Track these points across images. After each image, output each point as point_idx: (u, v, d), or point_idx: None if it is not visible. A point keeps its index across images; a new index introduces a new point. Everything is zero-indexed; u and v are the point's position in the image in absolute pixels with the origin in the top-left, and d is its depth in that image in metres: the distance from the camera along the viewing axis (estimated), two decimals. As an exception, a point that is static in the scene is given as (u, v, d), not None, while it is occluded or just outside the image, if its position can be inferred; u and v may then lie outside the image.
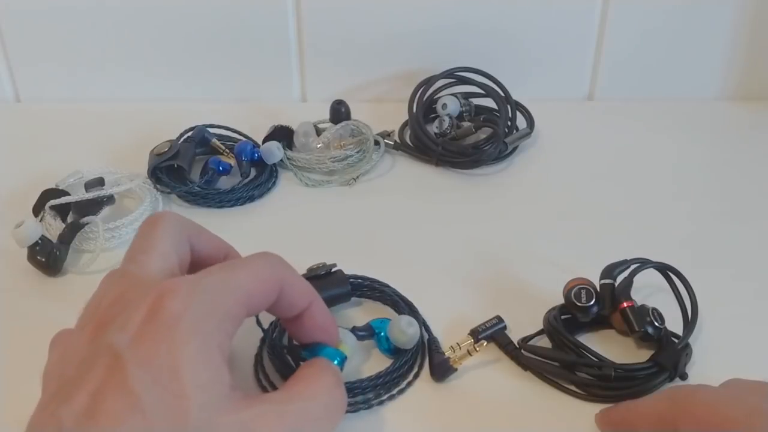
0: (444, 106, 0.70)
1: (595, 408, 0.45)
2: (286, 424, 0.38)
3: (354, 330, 0.50)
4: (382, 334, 0.50)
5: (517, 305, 0.53)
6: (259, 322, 0.49)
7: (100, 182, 0.62)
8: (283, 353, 0.48)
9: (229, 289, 0.39)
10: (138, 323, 0.36)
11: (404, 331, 0.48)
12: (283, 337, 0.50)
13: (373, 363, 0.50)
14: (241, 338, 0.49)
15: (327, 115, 0.71)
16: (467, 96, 0.72)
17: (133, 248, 0.44)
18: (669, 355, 0.48)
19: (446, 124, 0.69)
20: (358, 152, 0.67)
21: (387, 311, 0.53)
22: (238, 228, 0.61)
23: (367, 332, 0.50)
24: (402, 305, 0.52)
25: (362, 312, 0.52)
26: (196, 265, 0.45)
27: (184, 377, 0.35)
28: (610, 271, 0.51)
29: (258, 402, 0.38)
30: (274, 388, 0.47)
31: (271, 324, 0.51)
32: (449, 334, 0.51)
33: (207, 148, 0.67)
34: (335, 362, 0.46)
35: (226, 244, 0.48)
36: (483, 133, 0.68)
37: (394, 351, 0.50)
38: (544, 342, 0.50)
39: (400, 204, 0.64)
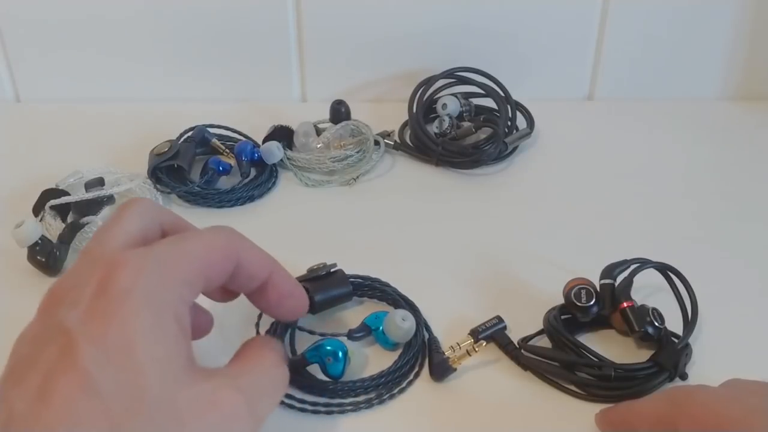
0: (444, 106, 0.70)
1: (595, 408, 0.45)
2: (243, 397, 0.37)
3: (350, 333, 0.50)
4: (380, 329, 0.50)
5: (517, 305, 0.53)
6: (257, 325, 0.49)
7: (100, 182, 0.62)
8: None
9: (181, 256, 0.38)
10: (88, 299, 0.36)
11: (399, 326, 0.49)
12: (284, 340, 0.50)
13: (372, 363, 0.50)
14: (242, 339, 0.49)
15: (327, 115, 0.71)
16: (467, 96, 0.72)
17: (100, 228, 0.42)
18: (669, 355, 0.48)
19: (446, 124, 0.69)
20: (358, 152, 0.67)
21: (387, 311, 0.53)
22: (238, 228, 0.60)
23: (364, 331, 0.50)
24: (403, 305, 0.52)
25: (363, 312, 0.52)
26: None
27: (139, 352, 0.34)
28: (610, 271, 0.51)
29: (215, 375, 0.38)
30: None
31: (272, 325, 0.51)
32: (449, 334, 0.51)
33: (207, 148, 0.67)
34: (339, 354, 0.47)
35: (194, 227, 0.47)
36: (483, 133, 0.68)
37: (394, 344, 0.50)
38: (544, 342, 0.50)
39: (400, 204, 0.64)
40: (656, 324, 0.49)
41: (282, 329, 0.50)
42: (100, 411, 0.33)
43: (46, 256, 0.55)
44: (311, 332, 0.50)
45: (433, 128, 0.70)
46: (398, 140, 0.70)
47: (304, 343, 0.51)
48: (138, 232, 0.41)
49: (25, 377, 0.34)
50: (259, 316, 0.51)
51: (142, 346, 0.34)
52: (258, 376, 0.40)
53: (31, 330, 0.37)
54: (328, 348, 0.47)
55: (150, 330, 0.35)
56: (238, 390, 0.37)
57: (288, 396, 0.47)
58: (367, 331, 0.50)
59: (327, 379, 0.48)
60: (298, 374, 0.47)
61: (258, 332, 0.50)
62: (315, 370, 0.48)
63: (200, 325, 0.45)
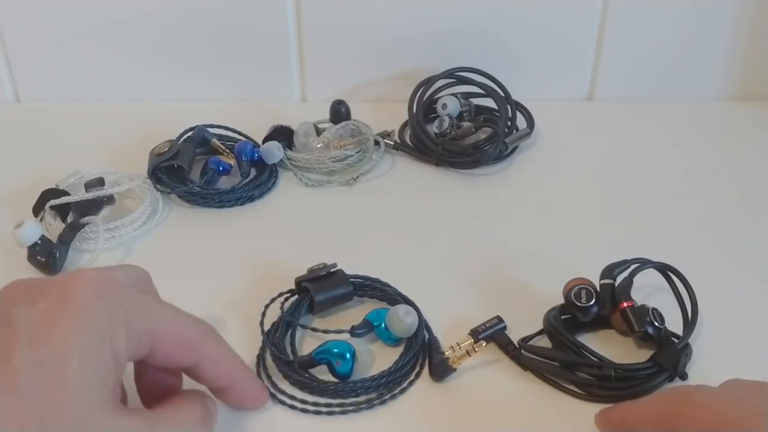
0: (444, 106, 0.70)
1: (595, 408, 0.45)
2: None
3: (353, 329, 0.50)
4: (382, 325, 0.50)
5: (517, 305, 0.53)
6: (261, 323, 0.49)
7: (100, 182, 0.62)
8: (289, 359, 0.49)
9: (146, 314, 0.39)
10: (46, 302, 0.36)
11: (402, 320, 0.49)
12: (285, 341, 0.50)
13: (375, 360, 0.50)
14: (243, 339, 0.49)
15: (327, 115, 0.71)
16: (467, 96, 0.72)
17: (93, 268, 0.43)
18: (669, 355, 0.48)
19: (446, 124, 0.68)
20: (358, 152, 0.67)
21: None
22: (238, 228, 0.61)
23: (366, 328, 0.50)
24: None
25: (363, 312, 0.52)
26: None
27: (70, 368, 0.35)
28: (610, 271, 0.51)
29: (135, 415, 0.38)
30: (276, 387, 0.47)
31: (272, 325, 0.51)
32: (449, 334, 0.51)
33: (207, 148, 0.67)
34: (347, 356, 0.47)
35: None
36: (483, 133, 0.68)
37: (397, 339, 0.50)
38: (544, 342, 0.50)
39: (400, 204, 0.64)
40: (656, 324, 0.49)
41: (284, 328, 0.50)
42: (13, 409, 0.33)
43: (46, 256, 0.55)
44: (314, 330, 0.50)
45: (433, 128, 0.70)
46: (398, 140, 0.70)
47: (304, 342, 0.51)
48: (121, 280, 0.41)
49: None
50: (263, 315, 0.51)
51: (75, 363, 0.35)
52: (177, 427, 0.40)
53: None
54: (336, 351, 0.48)
55: (88, 352, 0.36)
56: None
57: (290, 396, 0.47)
58: (369, 327, 0.50)
59: (332, 379, 0.48)
60: (304, 374, 0.48)
61: (263, 330, 0.50)
62: (316, 370, 0.48)
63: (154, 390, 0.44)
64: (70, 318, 0.36)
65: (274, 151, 0.65)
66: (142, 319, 0.39)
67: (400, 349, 0.50)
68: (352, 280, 0.53)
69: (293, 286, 0.53)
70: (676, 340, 0.49)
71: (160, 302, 0.42)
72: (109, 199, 0.61)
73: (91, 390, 0.35)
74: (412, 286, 0.54)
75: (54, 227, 0.58)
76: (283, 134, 0.69)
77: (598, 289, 0.51)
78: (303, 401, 0.46)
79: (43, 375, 0.34)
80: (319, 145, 0.68)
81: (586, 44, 0.75)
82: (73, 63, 0.75)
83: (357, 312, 0.53)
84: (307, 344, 0.51)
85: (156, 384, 0.43)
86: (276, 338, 0.50)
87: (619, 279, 0.51)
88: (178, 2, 0.72)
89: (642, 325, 0.49)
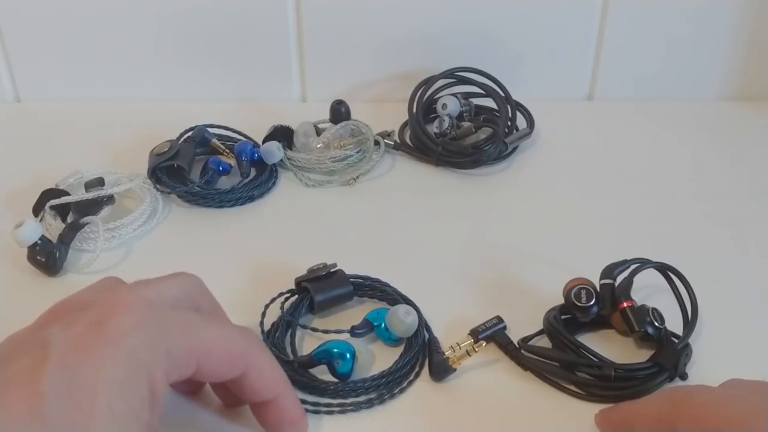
0: (444, 106, 0.70)
1: (595, 408, 0.45)
2: None
3: (353, 329, 0.50)
4: (382, 325, 0.50)
5: (517, 305, 0.53)
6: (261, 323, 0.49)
7: (100, 182, 0.62)
8: (289, 359, 0.49)
9: (189, 334, 0.38)
10: (82, 326, 0.35)
11: (402, 319, 0.49)
12: (285, 340, 0.50)
13: (375, 360, 0.50)
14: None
15: (327, 115, 0.70)
16: (467, 96, 0.72)
17: (140, 280, 0.42)
18: (669, 355, 0.48)
19: (446, 124, 0.68)
20: (358, 152, 0.67)
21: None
22: (238, 228, 0.61)
23: (366, 328, 0.50)
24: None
25: (363, 312, 0.52)
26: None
27: (99, 399, 0.33)
28: (610, 271, 0.51)
29: None
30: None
31: (272, 325, 0.51)
32: (449, 334, 0.51)
33: (207, 148, 0.67)
34: (348, 356, 0.47)
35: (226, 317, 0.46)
36: (483, 133, 0.68)
37: (396, 339, 0.50)
38: (544, 342, 0.50)
39: (400, 204, 0.64)
40: (656, 324, 0.49)
41: (283, 328, 0.50)
42: None
43: (46, 256, 0.55)
44: (314, 329, 0.50)
45: (433, 128, 0.70)
46: (398, 140, 0.70)
47: (305, 341, 0.51)
48: (169, 298, 0.40)
49: None
50: (263, 315, 0.51)
51: (105, 394, 0.34)
52: None
53: (23, 334, 0.37)
54: (336, 351, 0.48)
55: (120, 383, 0.34)
56: None
57: (288, 396, 0.47)
58: (369, 327, 0.50)
59: (332, 379, 0.48)
60: (303, 374, 0.48)
61: (263, 330, 0.50)
62: (316, 370, 0.48)
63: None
64: (105, 347, 0.35)
65: (274, 151, 0.65)
66: (185, 341, 0.38)
67: (400, 349, 0.50)
68: (352, 280, 0.53)
69: (293, 286, 0.53)
70: (676, 340, 0.49)
71: (203, 319, 0.40)
72: (109, 199, 0.61)
73: (120, 423, 0.34)
74: (412, 286, 0.54)
75: (54, 227, 0.58)
76: (283, 134, 0.69)
77: (598, 289, 0.51)
78: (303, 401, 0.46)
79: (71, 404, 0.33)
80: (319, 145, 0.68)
81: (586, 44, 0.75)
82: (73, 63, 0.75)
83: (357, 312, 0.53)
84: (307, 344, 0.51)
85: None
86: (276, 338, 0.50)
87: (619, 279, 0.51)
88: (179, 3, 0.72)
89: (642, 325, 0.49)
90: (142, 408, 0.35)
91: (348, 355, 0.47)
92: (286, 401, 0.42)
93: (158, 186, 0.63)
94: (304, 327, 0.51)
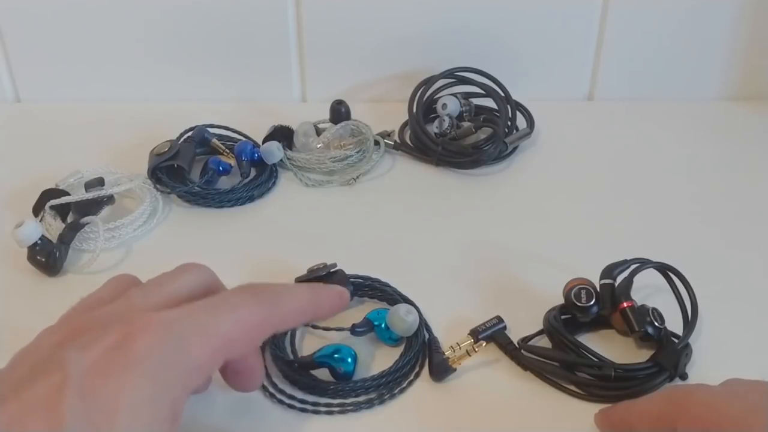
0: (444, 106, 0.70)
1: (595, 408, 0.45)
2: None
3: (353, 328, 0.50)
4: (383, 325, 0.50)
5: (517, 305, 0.53)
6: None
7: (100, 182, 0.62)
8: (290, 359, 0.49)
9: (208, 338, 0.38)
10: (101, 350, 0.35)
11: (404, 318, 0.49)
12: (285, 340, 0.50)
13: (374, 360, 0.50)
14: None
15: (327, 115, 0.71)
16: (467, 96, 0.72)
17: (152, 281, 0.42)
18: (669, 355, 0.48)
19: (446, 124, 0.68)
20: (358, 152, 0.67)
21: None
22: (238, 228, 0.61)
23: (366, 327, 0.50)
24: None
25: (363, 312, 0.52)
26: None
27: (118, 423, 0.33)
28: (610, 271, 0.51)
29: None
30: (276, 387, 0.47)
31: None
32: (449, 334, 0.51)
33: (207, 148, 0.67)
34: (349, 360, 0.47)
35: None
36: (483, 133, 0.68)
37: (397, 339, 0.50)
38: (544, 342, 0.50)
39: (400, 204, 0.64)
40: (656, 324, 0.49)
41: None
42: None
43: (46, 256, 0.55)
44: (314, 327, 0.50)
45: (433, 128, 0.70)
46: (398, 140, 0.70)
47: (306, 341, 0.51)
48: (185, 294, 0.41)
49: (6, 399, 0.34)
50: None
51: (125, 419, 0.34)
52: None
53: (38, 353, 0.37)
54: (337, 356, 0.48)
55: (140, 406, 0.34)
56: None
57: (289, 396, 0.47)
58: (370, 326, 0.50)
59: (331, 379, 0.48)
60: (304, 375, 0.48)
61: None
62: (317, 371, 0.48)
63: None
64: (125, 371, 0.35)
65: (274, 151, 0.65)
66: (206, 347, 0.38)
67: (400, 349, 0.50)
68: (352, 280, 0.53)
69: (293, 286, 0.53)
70: (676, 340, 0.49)
71: (216, 310, 0.39)
72: (109, 199, 0.61)
73: None
74: (412, 286, 0.54)
75: (54, 227, 0.58)
76: (283, 134, 0.69)
77: (598, 289, 0.51)
78: (303, 401, 0.46)
79: (89, 428, 0.33)
80: (319, 145, 0.68)
81: (586, 44, 0.75)
82: (73, 63, 0.75)
83: (357, 312, 0.53)
84: (307, 343, 0.51)
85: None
86: (276, 338, 0.50)
87: (619, 279, 0.51)
88: (179, 2, 0.72)
89: (642, 325, 0.49)
90: (162, 429, 0.35)
91: (349, 359, 0.48)
92: (323, 299, 0.45)
93: (158, 186, 0.63)
94: (304, 325, 0.51)
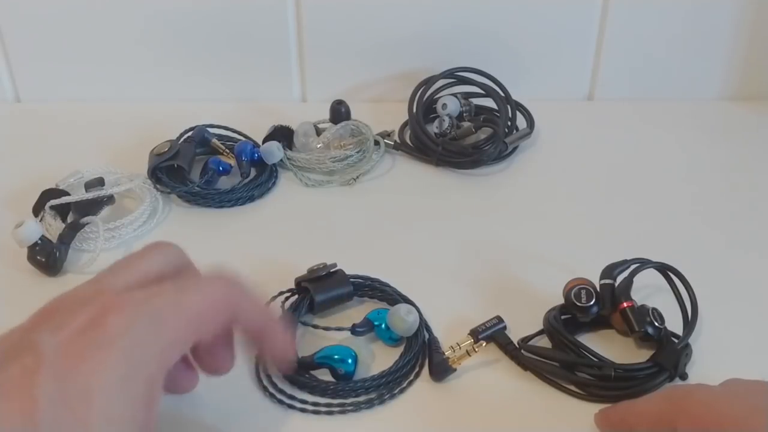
0: (444, 106, 0.70)
1: (595, 408, 0.45)
2: None
3: (354, 327, 0.50)
4: (383, 325, 0.50)
5: (517, 305, 0.53)
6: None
7: (100, 182, 0.62)
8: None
9: (178, 312, 0.38)
10: (72, 331, 0.35)
11: (404, 318, 0.49)
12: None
13: (375, 360, 0.50)
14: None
15: (327, 115, 0.71)
16: (467, 96, 0.72)
17: (120, 261, 0.42)
18: (669, 355, 0.48)
19: (446, 124, 0.68)
20: (358, 152, 0.67)
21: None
22: (238, 228, 0.61)
23: (366, 327, 0.50)
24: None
25: (363, 312, 0.52)
26: None
27: (94, 404, 0.33)
28: (610, 271, 0.51)
29: None
30: (276, 387, 0.47)
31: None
32: (449, 334, 0.51)
33: (207, 148, 0.68)
34: (349, 361, 0.47)
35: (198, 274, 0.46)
36: (483, 133, 0.68)
37: (397, 339, 0.50)
38: (544, 342, 0.50)
39: (400, 204, 0.64)
40: (656, 324, 0.49)
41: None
42: None
43: (46, 256, 0.55)
44: (314, 326, 0.50)
45: (433, 128, 0.70)
46: (398, 140, 0.70)
47: (306, 341, 0.51)
48: (154, 274, 0.41)
49: None
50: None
51: (100, 399, 0.34)
52: None
53: (11, 336, 0.36)
54: (337, 357, 0.48)
55: (115, 386, 0.34)
56: None
57: (289, 396, 0.47)
58: (370, 326, 0.50)
59: (331, 379, 0.48)
60: (304, 375, 0.48)
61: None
62: (317, 371, 0.48)
63: (182, 381, 0.44)
64: (98, 352, 0.34)
65: (274, 151, 0.65)
66: (179, 320, 0.38)
67: (400, 349, 0.50)
68: (352, 280, 0.53)
69: (293, 286, 0.53)
70: (676, 340, 0.49)
71: (185, 286, 0.40)
72: (109, 199, 0.61)
73: (116, 427, 0.34)
74: (412, 286, 0.54)
75: (54, 227, 0.58)
76: (283, 134, 0.69)
77: (598, 289, 0.51)
78: (303, 401, 0.46)
79: (65, 412, 0.33)
80: (319, 145, 0.68)
81: (586, 44, 0.75)
82: (73, 63, 0.75)
83: (357, 312, 0.53)
84: (307, 343, 0.51)
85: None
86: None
87: (619, 279, 0.51)
88: (178, 2, 0.72)
89: (642, 325, 0.49)
90: (139, 408, 0.35)
91: (350, 360, 0.48)
92: (274, 328, 0.44)
93: (158, 186, 0.63)
94: (305, 324, 0.51)
